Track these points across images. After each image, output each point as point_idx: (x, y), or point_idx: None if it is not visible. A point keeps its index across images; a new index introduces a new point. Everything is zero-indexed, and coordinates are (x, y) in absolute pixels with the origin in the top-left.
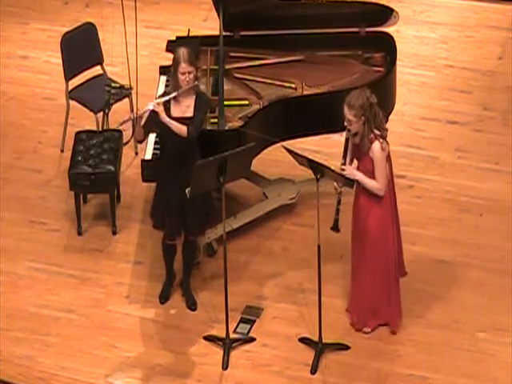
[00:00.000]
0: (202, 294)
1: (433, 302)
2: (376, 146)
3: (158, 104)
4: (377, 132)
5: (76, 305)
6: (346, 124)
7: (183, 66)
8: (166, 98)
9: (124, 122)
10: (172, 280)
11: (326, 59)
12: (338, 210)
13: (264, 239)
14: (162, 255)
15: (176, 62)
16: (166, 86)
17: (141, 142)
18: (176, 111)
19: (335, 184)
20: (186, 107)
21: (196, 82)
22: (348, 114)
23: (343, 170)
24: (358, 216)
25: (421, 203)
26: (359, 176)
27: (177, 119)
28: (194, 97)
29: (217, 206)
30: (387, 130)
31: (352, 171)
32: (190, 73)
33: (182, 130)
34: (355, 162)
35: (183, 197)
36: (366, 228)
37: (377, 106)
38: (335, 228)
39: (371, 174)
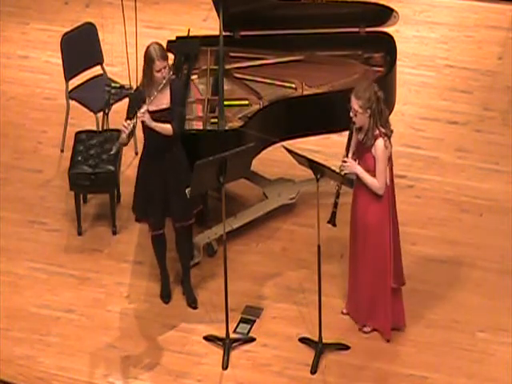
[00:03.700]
0: (201, 294)
1: (433, 301)
2: (379, 142)
3: (142, 114)
4: (382, 130)
5: (76, 305)
6: (351, 115)
7: (158, 64)
8: (148, 103)
9: (118, 147)
10: (168, 275)
11: (326, 59)
12: (336, 203)
13: (264, 239)
14: (153, 249)
15: (150, 60)
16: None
17: (125, 144)
18: (152, 104)
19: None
20: (162, 99)
21: (170, 73)
22: (354, 103)
23: (344, 161)
24: (356, 213)
25: (421, 203)
26: (359, 170)
27: (154, 112)
28: (169, 87)
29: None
30: (392, 131)
31: (353, 164)
32: (164, 67)
33: (167, 129)
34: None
35: (167, 189)
36: (363, 226)
37: (384, 103)
38: (332, 221)
39: (371, 173)
